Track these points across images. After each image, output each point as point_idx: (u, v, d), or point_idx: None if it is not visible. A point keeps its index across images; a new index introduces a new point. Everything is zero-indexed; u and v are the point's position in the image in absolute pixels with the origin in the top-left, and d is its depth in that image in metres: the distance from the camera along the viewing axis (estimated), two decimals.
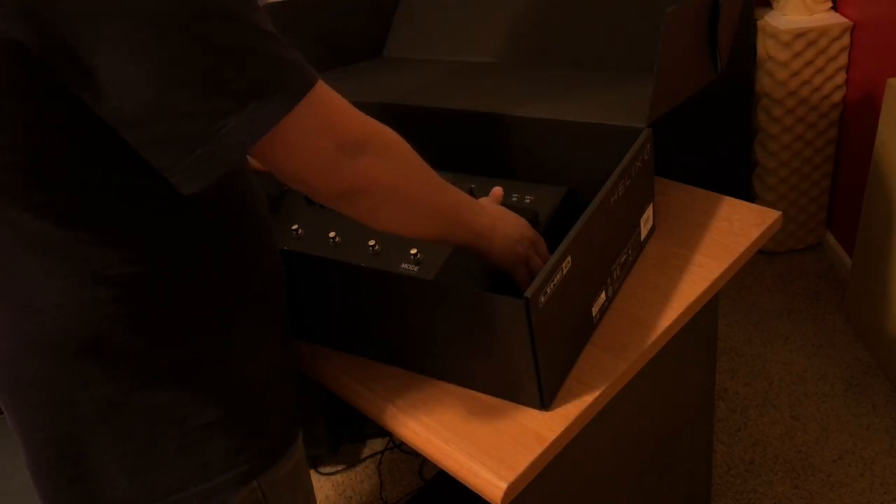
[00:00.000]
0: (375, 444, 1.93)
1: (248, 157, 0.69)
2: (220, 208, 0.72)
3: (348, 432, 1.93)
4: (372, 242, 0.98)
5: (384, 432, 1.93)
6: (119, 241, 0.66)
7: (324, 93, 0.65)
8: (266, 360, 0.79)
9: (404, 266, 0.96)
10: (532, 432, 0.82)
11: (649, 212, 1.05)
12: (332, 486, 1.84)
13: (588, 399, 0.85)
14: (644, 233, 1.05)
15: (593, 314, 0.92)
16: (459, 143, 1.12)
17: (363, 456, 1.91)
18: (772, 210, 1.10)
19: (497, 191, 0.98)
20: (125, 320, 0.68)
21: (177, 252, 0.69)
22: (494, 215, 0.87)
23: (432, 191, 0.77)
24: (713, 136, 2.21)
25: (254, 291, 0.77)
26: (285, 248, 0.98)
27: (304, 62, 0.64)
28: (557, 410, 0.84)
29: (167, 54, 0.55)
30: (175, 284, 0.70)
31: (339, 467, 1.89)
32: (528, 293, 0.74)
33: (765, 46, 2.05)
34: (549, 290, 0.78)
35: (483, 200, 0.91)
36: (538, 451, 0.80)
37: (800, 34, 1.95)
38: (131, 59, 0.55)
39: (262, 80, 0.60)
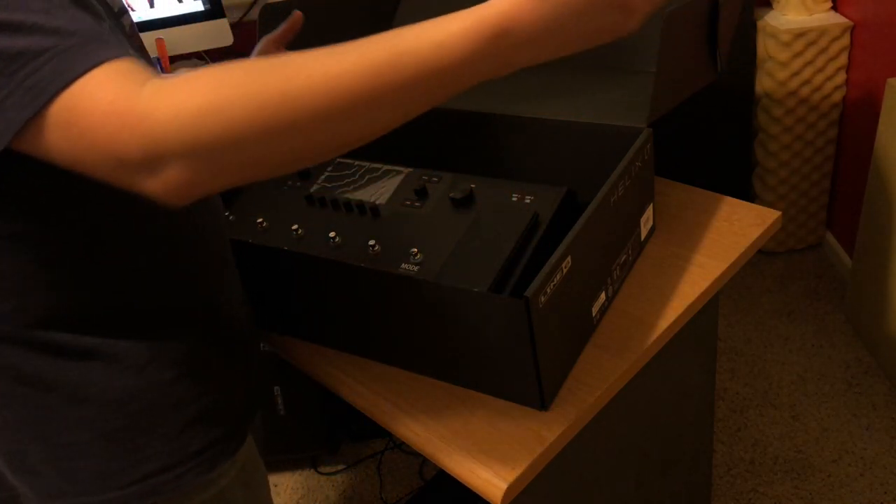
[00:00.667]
0: (375, 444, 1.93)
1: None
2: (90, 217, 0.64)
3: (348, 432, 1.93)
4: (372, 242, 0.98)
5: (384, 432, 1.93)
6: None
7: (83, 90, 0.50)
8: (155, 381, 0.72)
9: (404, 266, 0.96)
10: (532, 432, 0.82)
11: (649, 212, 1.05)
12: (332, 486, 1.84)
13: (588, 399, 0.85)
14: (644, 233, 1.05)
15: (593, 314, 0.92)
16: (459, 143, 1.12)
17: (363, 456, 1.91)
18: (772, 210, 1.10)
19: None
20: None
21: (44, 265, 0.64)
22: (483, 11, 0.52)
23: (315, 106, 0.51)
24: (713, 136, 2.21)
25: (167, 304, 0.71)
26: (285, 248, 0.98)
27: (73, 48, 0.50)
28: (557, 410, 0.84)
29: None
30: (43, 297, 0.65)
31: (339, 467, 1.89)
32: (528, 293, 0.74)
33: (765, 46, 2.05)
34: (549, 290, 0.78)
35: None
36: (538, 451, 0.80)
37: (800, 34, 1.95)
38: None
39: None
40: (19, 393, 0.68)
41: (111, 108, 0.49)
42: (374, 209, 1.03)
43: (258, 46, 1.01)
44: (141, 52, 0.74)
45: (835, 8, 2.03)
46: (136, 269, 0.69)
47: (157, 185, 0.51)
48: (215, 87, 0.50)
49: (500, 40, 0.51)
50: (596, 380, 0.87)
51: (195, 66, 1.89)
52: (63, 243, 0.64)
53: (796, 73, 2.01)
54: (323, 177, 1.10)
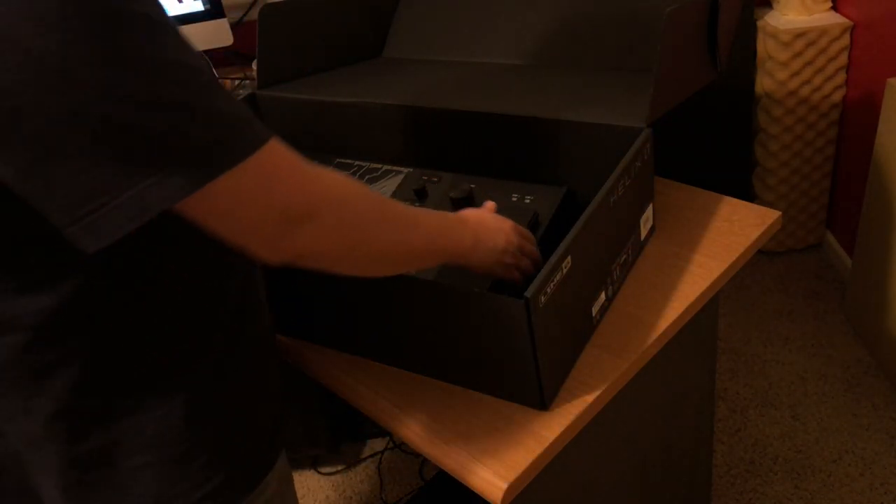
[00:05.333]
0: (375, 444, 1.93)
1: None
2: (157, 255, 0.67)
3: (348, 432, 1.93)
4: None
5: (384, 432, 1.93)
6: (33, 289, 0.62)
7: (268, 158, 0.60)
8: (217, 405, 0.74)
9: None
10: (532, 432, 0.82)
11: (649, 212, 1.05)
12: (332, 486, 1.84)
13: (588, 399, 0.85)
14: (644, 233, 1.05)
15: (593, 314, 0.92)
16: (459, 143, 1.12)
17: (363, 456, 1.91)
18: (772, 210, 1.10)
19: (490, 204, 0.96)
20: (43, 368, 0.65)
21: (103, 299, 0.65)
22: (475, 229, 0.83)
23: (396, 238, 0.72)
24: (713, 136, 2.21)
25: (203, 334, 0.72)
26: None
27: (249, 124, 0.59)
28: (557, 410, 0.84)
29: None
30: (100, 331, 0.66)
31: (339, 467, 1.89)
32: (528, 293, 0.74)
33: (765, 46, 2.05)
34: (549, 290, 0.78)
35: (469, 212, 0.88)
36: (538, 451, 0.80)
37: (800, 34, 1.95)
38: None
39: (173, 149, 0.55)
40: (96, 428, 0.69)
41: (296, 164, 0.62)
42: None
43: None
44: None
45: (835, 8, 2.03)
46: (200, 305, 0.72)
47: (301, 238, 0.63)
48: (367, 191, 0.69)
49: (476, 238, 0.84)
50: (596, 380, 0.87)
51: None
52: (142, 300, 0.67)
53: (796, 73, 2.01)
54: None
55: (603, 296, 0.94)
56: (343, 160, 1.20)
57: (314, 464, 1.90)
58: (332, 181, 0.66)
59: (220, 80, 0.69)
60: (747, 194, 2.32)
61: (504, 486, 0.77)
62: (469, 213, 0.87)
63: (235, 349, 0.75)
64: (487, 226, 0.86)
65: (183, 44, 0.56)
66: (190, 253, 0.69)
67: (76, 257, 0.61)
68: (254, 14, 1.94)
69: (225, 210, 0.59)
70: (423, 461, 1.86)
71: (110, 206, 0.54)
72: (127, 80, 0.52)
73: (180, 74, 0.55)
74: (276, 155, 0.61)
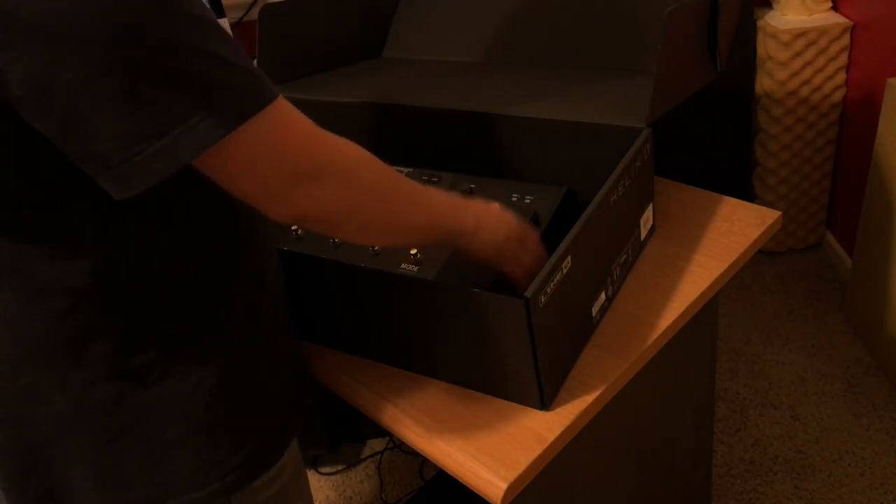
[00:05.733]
0: (375, 444, 1.93)
1: None
2: (187, 214, 0.69)
3: (348, 432, 1.93)
4: None
5: (384, 432, 1.93)
6: (68, 253, 0.64)
7: (281, 112, 0.62)
8: (245, 373, 0.76)
9: (404, 266, 0.96)
10: (532, 432, 0.82)
11: (649, 212, 1.05)
12: (332, 486, 1.84)
13: (588, 399, 0.85)
14: (644, 233, 1.05)
15: (593, 314, 0.92)
16: (459, 144, 1.12)
17: (363, 456, 1.91)
18: (772, 210, 1.10)
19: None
20: (80, 337, 0.66)
21: (136, 263, 0.67)
22: (480, 215, 0.84)
23: (399, 210, 0.74)
24: (713, 136, 2.21)
25: (230, 299, 0.74)
26: (285, 248, 0.98)
27: (262, 78, 0.61)
28: (557, 410, 0.84)
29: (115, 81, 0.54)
30: (134, 296, 0.67)
31: (339, 467, 1.89)
32: (528, 293, 0.74)
33: (765, 46, 2.05)
34: (549, 290, 0.78)
35: (477, 200, 0.89)
36: (538, 451, 0.80)
37: (800, 34, 1.95)
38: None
39: (205, 95, 0.57)
40: (126, 396, 0.69)
41: (307, 123, 0.65)
42: None
43: None
44: None
45: (835, 8, 2.03)
46: (227, 267, 0.74)
47: (303, 197, 0.65)
48: (375, 160, 0.71)
49: (478, 223, 0.84)
50: (596, 380, 0.87)
51: None
52: (169, 258, 0.69)
53: (796, 73, 2.01)
54: None
55: (603, 296, 0.94)
56: None
57: (314, 464, 1.90)
58: (342, 144, 0.68)
59: None
60: (747, 194, 2.32)
61: (504, 486, 0.77)
62: (477, 201, 0.89)
63: (257, 321, 0.77)
64: (492, 214, 0.87)
65: (204, 5, 0.59)
66: (213, 222, 0.71)
67: (108, 223, 0.64)
68: (254, 14, 1.94)
69: (242, 162, 0.61)
70: (423, 461, 1.86)
71: (144, 155, 0.56)
72: (159, 26, 0.54)
73: (204, 27, 0.57)
74: (288, 111, 0.63)
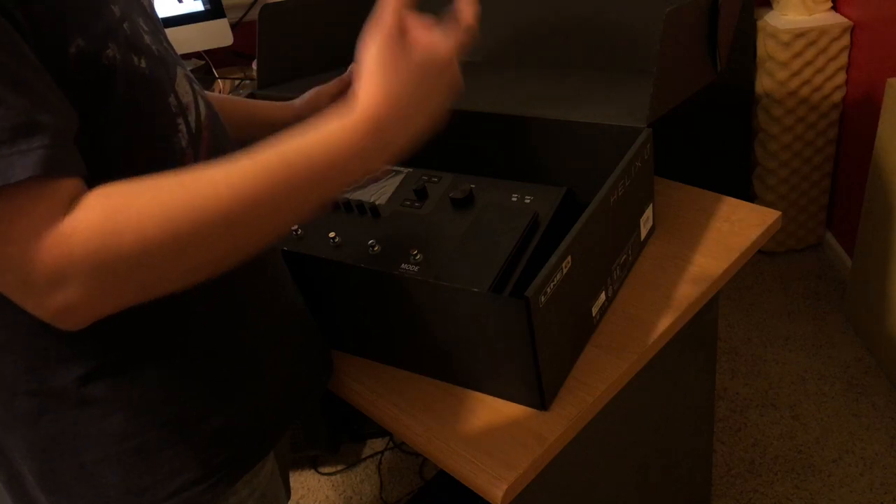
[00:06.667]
0: (375, 444, 1.93)
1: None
2: None
3: (348, 432, 1.93)
4: (372, 242, 0.98)
5: (384, 432, 1.93)
6: None
7: (12, 200, 0.49)
8: (181, 397, 0.70)
9: (404, 266, 0.96)
10: (532, 432, 0.82)
11: (649, 212, 1.05)
12: (332, 486, 1.84)
13: (588, 399, 0.85)
14: (644, 233, 1.05)
15: (593, 314, 0.92)
16: (459, 143, 1.12)
17: (363, 456, 1.91)
18: (772, 210, 1.10)
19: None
20: (1, 343, 0.64)
21: None
22: (371, 139, 0.59)
23: (209, 240, 0.54)
24: (713, 136, 2.21)
25: (170, 330, 0.69)
26: (285, 248, 0.98)
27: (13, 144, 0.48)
28: (557, 410, 0.84)
29: None
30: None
31: (339, 467, 1.89)
32: (528, 293, 0.74)
33: (765, 46, 2.05)
34: (549, 290, 0.78)
35: (361, 98, 0.60)
36: (538, 451, 0.80)
37: (800, 34, 1.95)
38: None
39: None
40: (49, 411, 0.67)
41: (36, 225, 0.50)
42: (374, 209, 1.03)
43: (306, 95, 1.07)
44: (157, 31, 0.71)
45: (835, 8, 2.03)
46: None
47: (55, 304, 0.52)
48: (127, 203, 0.52)
49: (376, 125, 0.59)
50: (596, 380, 0.87)
51: (195, 65, 1.89)
52: None
53: (796, 73, 2.01)
54: None
55: (603, 296, 0.94)
56: None
57: (314, 464, 1.90)
58: (89, 223, 0.51)
59: (151, 78, 0.63)
60: (747, 194, 2.32)
61: (504, 486, 0.77)
62: (362, 104, 0.60)
63: (207, 349, 0.72)
64: (394, 114, 0.60)
65: None
66: None
67: None
68: (254, 14, 1.94)
69: None
70: (423, 461, 1.86)
71: None
72: None
73: None
74: (23, 201, 0.50)
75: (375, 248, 0.98)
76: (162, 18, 1.69)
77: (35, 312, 0.53)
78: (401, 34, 0.61)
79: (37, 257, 0.50)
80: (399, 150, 0.62)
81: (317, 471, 1.88)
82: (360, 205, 1.03)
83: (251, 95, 1.28)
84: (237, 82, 1.81)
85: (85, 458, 0.69)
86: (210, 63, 1.90)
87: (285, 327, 0.82)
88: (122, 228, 0.51)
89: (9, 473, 0.74)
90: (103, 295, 0.52)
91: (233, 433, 0.75)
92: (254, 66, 1.71)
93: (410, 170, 1.11)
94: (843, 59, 2.01)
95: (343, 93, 1.07)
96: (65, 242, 0.50)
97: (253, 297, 0.77)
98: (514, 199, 1.03)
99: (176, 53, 0.73)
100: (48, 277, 0.50)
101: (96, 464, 0.69)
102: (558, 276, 0.79)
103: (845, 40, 1.98)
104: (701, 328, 1.12)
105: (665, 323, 0.93)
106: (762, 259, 2.32)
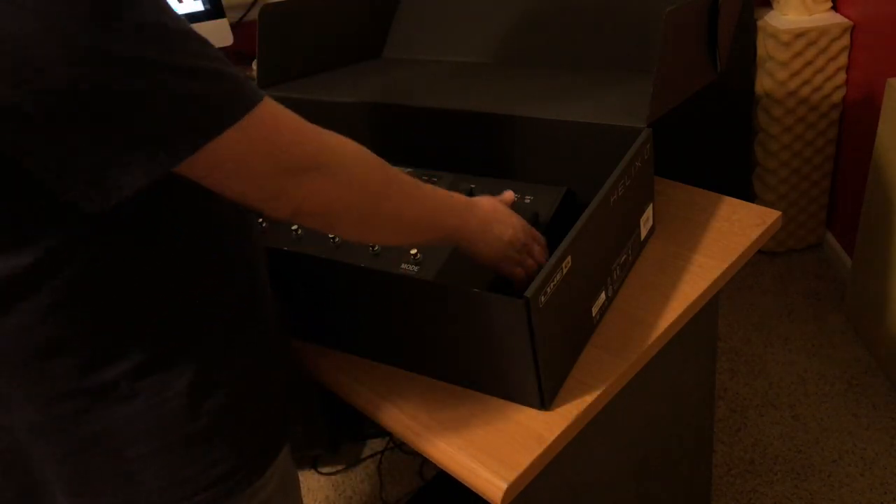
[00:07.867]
0: (375, 444, 1.93)
1: None
2: (162, 229, 0.66)
3: (348, 432, 1.93)
4: None
5: (384, 432, 1.93)
6: (43, 270, 0.61)
7: (267, 112, 0.62)
8: (222, 391, 0.73)
9: (404, 266, 0.96)
10: (532, 432, 0.82)
11: (649, 212, 1.05)
12: (332, 486, 1.84)
13: (588, 399, 0.85)
14: (644, 233, 1.05)
15: (593, 314, 0.92)
16: (459, 143, 1.12)
17: (363, 456, 1.91)
18: (772, 210, 1.10)
19: (508, 195, 0.96)
20: (45, 351, 0.65)
21: (107, 279, 0.64)
22: (485, 217, 0.84)
23: (397, 206, 0.73)
24: (713, 136, 2.21)
25: (209, 318, 0.71)
26: (285, 248, 0.98)
27: (243, 83, 0.60)
28: (557, 410, 0.84)
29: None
30: (104, 312, 0.65)
31: (339, 467, 1.89)
32: (528, 293, 0.74)
33: (765, 46, 2.05)
34: (549, 290, 0.78)
35: (484, 199, 0.89)
36: (538, 451, 0.80)
37: (800, 34, 1.95)
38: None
39: (181, 109, 0.56)
40: (93, 409, 0.68)
41: (295, 120, 0.65)
42: None
43: None
44: None
45: (835, 8, 2.03)
46: (206, 282, 0.71)
47: (298, 192, 0.65)
48: (372, 155, 0.71)
49: (478, 216, 0.85)
50: (596, 380, 0.87)
51: None
52: (154, 265, 0.67)
53: (796, 73, 2.01)
54: None
55: (603, 296, 0.94)
56: None
57: (314, 464, 1.90)
58: (335, 138, 0.67)
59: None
60: (747, 194, 2.32)
61: (504, 486, 0.77)
62: (483, 199, 0.88)
63: (236, 340, 0.74)
64: (498, 216, 0.86)
65: (170, 9, 0.57)
66: (194, 220, 0.69)
67: (78, 239, 0.61)
68: (254, 14, 1.94)
69: (228, 166, 0.60)
70: (423, 461, 1.86)
71: (117, 175, 0.55)
72: (124, 45, 0.53)
73: (177, 39, 0.56)
74: (275, 109, 0.63)
75: (375, 248, 0.98)
76: None
77: (280, 200, 0.64)
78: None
79: (299, 142, 0.64)
80: (473, 241, 0.84)
81: (317, 471, 1.88)
82: None
83: None
84: None
85: (128, 455, 0.69)
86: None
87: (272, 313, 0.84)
88: (362, 158, 0.70)
89: (23, 485, 0.73)
90: (333, 188, 0.67)
91: (265, 419, 0.78)
92: (254, 66, 1.71)
93: (411, 170, 1.11)
94: (843, 59, 2.01)
95: None
96: (320, 135, 0.66)
97: (266, 291, 0.81)
98: (514, 199, 1.03)
99: None
100: (306, 160, 0.64)
101: (139, 459, 0.70)
102: (558, 276, 0.79)
103: (845, 40, 1.98)
104: (701, 328, 1.12)
105: (665, 323, 0.93)
106: (762, 259, 2.32)
